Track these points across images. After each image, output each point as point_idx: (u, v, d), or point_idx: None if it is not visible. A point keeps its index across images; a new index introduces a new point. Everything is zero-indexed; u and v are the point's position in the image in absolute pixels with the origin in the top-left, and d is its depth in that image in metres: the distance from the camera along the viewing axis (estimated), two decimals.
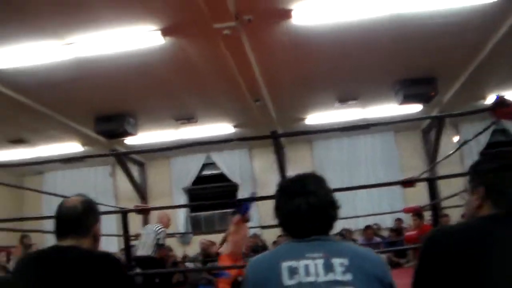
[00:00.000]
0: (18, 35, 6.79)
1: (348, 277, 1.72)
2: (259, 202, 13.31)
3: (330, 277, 1.72)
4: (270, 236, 12.39)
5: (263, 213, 13.14)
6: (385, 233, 12.16)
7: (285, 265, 1.77)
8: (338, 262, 1.75)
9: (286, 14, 6.76)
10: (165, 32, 6.96)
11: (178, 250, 12.62)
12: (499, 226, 1.78)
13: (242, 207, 7.45)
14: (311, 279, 1.72)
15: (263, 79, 8.71)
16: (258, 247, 11.17)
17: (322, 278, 1.72)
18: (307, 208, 1.88)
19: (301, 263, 1.76)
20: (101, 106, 9.81)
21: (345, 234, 10.48)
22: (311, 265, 1.76)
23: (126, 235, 7.81)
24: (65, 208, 2.35)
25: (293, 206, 1.90)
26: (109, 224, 13.13)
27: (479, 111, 4.95)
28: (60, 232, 2.32)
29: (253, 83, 8.55)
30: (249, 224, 12.74)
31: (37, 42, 6.99)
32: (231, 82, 8.58)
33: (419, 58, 8.70)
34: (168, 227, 8.83)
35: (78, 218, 2.31)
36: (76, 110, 9.91)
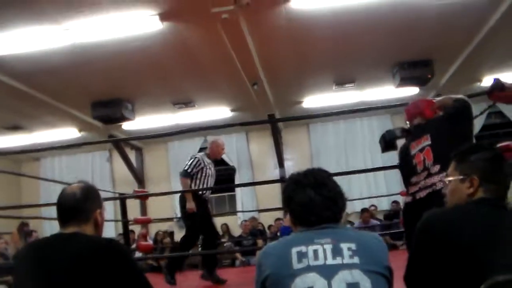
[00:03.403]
0: (15, 21, 6.75)
1: (354, 260, 1.80)
2: (257, 186, 13.43)
3: (338, 260, 1.80)
4: (267, 219, 12.46)
5: (260, 197, 13.22)
6: (382, 216, 12.24)
7: (295, 250, 1.85)
8: (346, 246, 1.83)
9: None
10: (163, 17, 6.93)
11: (176, 235, 12.63)
12: (493, 210, 1.90)
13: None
14: (319, 262, 1.80)
15: (260, 63, 8.72)
16: (256, 230, 11.22)
17: (330, 261, 1.80)
18: (319, 198, 1.97)
19: (310, 248, 1.84)
20: (98, 91, 9.79)
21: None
22: (320, 250, 1.83)
23: (125, 221, 7.89)
24: (65, 196, 2.37)
25: (306, 197, 1.98)
26: (108, 209, 13.20)
27: (475, 95, 4.98)
28: (62, 219, 2.34)
29: (251, 67, 8.57)
30: (247, 207, 12.91)
31: (34, 27, 6.94)
32: (229, 66, 8.58)
33: (416, 40, 8.71)
34: (217, 156, 7.07)
35: (77, 204, 2.32)
36: (73, 96, 9.88)
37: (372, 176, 12.97)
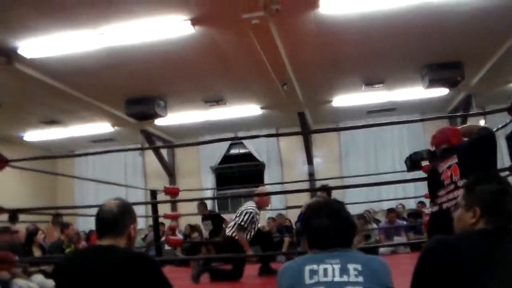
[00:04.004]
0: (55, 26, 7.06)
1: (359, 279, 2.05)
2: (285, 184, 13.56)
3: (344, 278, 2.06)
4: (295, 215, 12.58)
5: (289, 196, 13.31)
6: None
7: (308, 268, 2.12)
8: (352, 267, 2.09)
9: (314, 3, 6.88)
10: (195, 22, 7.13)
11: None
12: (493, 241, 2.04)
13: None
14: (327, 279, 2.06)
15: (290, 65, 8.85)
16: (282, 226, 11.36)
17: (337, 278, 2.06)
18: (333, 226, 2.25)
19: (321, 267, 2.11)
20: (132, 90, 10.08)
21: (367, 216, 10.61)
22: (329, 268, 2.10)
23: (155, 216, 8.19)
24: (103, 211, 2.62)
25: (322, 224, 2.26)
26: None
27: (497, 111, 5.12)
28: (99, 232, 2.60)
29: (281, 68, 8.70)
30: (276, 203, 13.03)
31: (72, 32, 7.24)
32: (259, 67, 8.73)
33: (446, 43, 8.73)
34: (265, 206, 7.26)
35: (114, 219, 2.57)
36: (107, 94, 10.19)
37: (400, 176, 12.96)
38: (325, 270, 2.09)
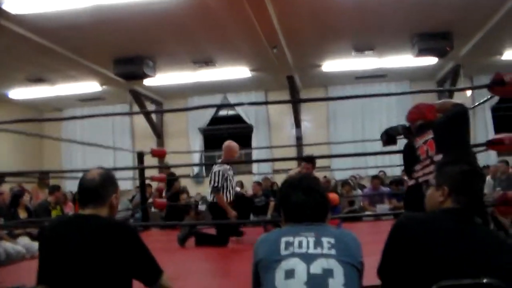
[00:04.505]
0: None
1: (332, 252, 2.14)
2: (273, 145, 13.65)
3: (318, 250, 2.14)
4: (282, 179, 12.66)
5: (276, 155, 13.39)
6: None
7: (283, 239, 2.20)
8: (326, 240, 2.18)
9: None
10: None
11: (191, 190, 12.92)
12: (459, 219, 2.13)
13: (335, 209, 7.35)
14: (302, 250, 2.15)
15: (280, 28, 8.84)
16: (268, 190, 11.42)
17: (312, 250, 2.14)
18: (309, 202, 2.31)
19: (296, 239, 2.19)
20: (120, 49, 10.00)
21: (352, 182, 10.72)
22: (304, 241, 2.18)
23: (142, 179, 8.25)
24: (85, 180, 2.63)
25: (298, 199, 2.32)
26: (127, 162, 13.50)
27: (476, 88, 5.20)
28: (81, 202, 2.62)
29: (271, 31, 8.69)
30: (263, 166, 13.08)
31: None
32: (249, 29, 8.70)
33: (437, 13, 8.74)
34: (233, 157, 6.81)
35: (96, 189, 2.58)
36: (95, 52, 10.11)
37: None
38: (300, 242, 2.17)
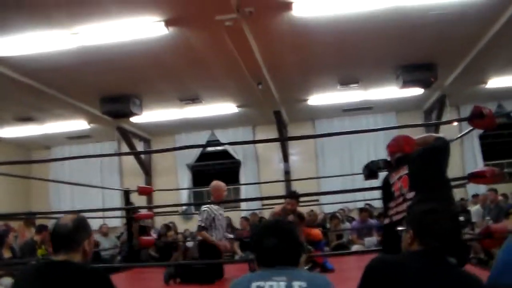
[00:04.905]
0: (27, 25, 7.04)
1: None
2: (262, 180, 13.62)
3: None
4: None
5: (264, 193, 13.35)
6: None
7: (255, 285, 2.20)
8: (297, 284, 2.16)
9: (287, 6, 6.92)
10: (169, 23, 7.15)
11: (180, 226, 12.87)
12: (427, 261, 2.13)
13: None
14: None
15: (265, 65, 8.92)
16: (256, 225, 11.39)
17: None
18: (281, 246, 2.30)
19: (267, 284, 2.19)
20: (107, 88, 10.07)
21: (340, 215, 10.70)
22: (275, 285, 2.17)
23: (129, 217, 8.23)
24: (57, 226, 2.63)
25: (270, 244, 2.30)
26: (114, 200, 13.43)
27: (456, 120, 5.24)
28: (54, 247, 2.61)
29: (256, 68, 8.75)
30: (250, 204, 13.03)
31: (45, 31, 7.23)
32: (234, 67, 8.78)
33: (420, 45, 8.84)
34: (221, 198, 6.92)
35: (68, 235, 2.58)
36: (82, 92, 10.17)
37: None
38: (271, 287, 2.17)
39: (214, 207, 6.69)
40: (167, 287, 6.18)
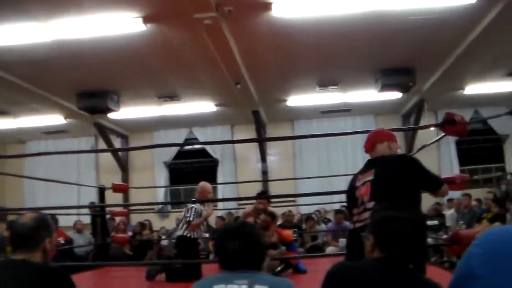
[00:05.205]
0: (3, 16, 6.88)
1: None
2: (239, 179, 13.60)
3: None
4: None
5: (241, 192, 13.34)
6: None
7: (215, 287, 2.18)
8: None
9: (266, 6, 6.90)
10: (147, 19, 7.07)
11: (156, 224, 12.81)
12: (386, 268, 2.10)
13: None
14: None
15: (244, 64, 8.87)
16: (219, 228, 11.39)
17: None
18: (244, 250, 2.28)
19: (228, 286, 2.18)
20: (84, 83, 9.95)
21: (316, 216, 10.71)
22: None
23: (102, 214, 8.17)
24: (16, 224, 2.57)
25: (233, 247, 2.28)
26: (91, 196, 13.27)
27: (428, 126, 5.26)
28: (13, 246, 2.54)
29: (234, 67, 8.71)
30: (227, 204, 13.02)
31: (21, 23, 7.08)
32: (212, 66, 8.72)
33: (399, 49, 8.88)
34: (206, 196, 7.10)
35: (27, 233, 2.51)
36: (58, 87, 10.02)
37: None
38: None
39: (200, 205, 6.85)
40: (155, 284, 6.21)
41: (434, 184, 3.67)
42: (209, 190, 7.08)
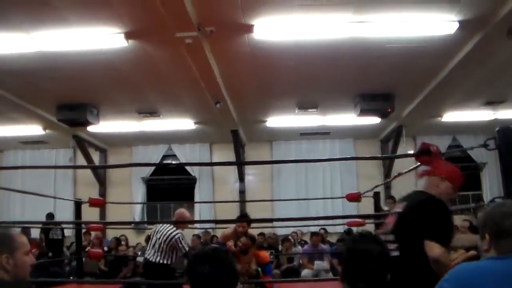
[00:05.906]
0: None
1: None
2: (216, 198, 13.58)
3: None
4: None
5: (218, 211, 13.33)
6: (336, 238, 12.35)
7: None
8: None
9: (248, 28, 6.94)
10: (129, 35, 7.08)
11: (132, 240, 12.71)
12: None
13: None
14: None
15: (224, 84, 8.91)
16: (207, 244, 11.34)
17: None
18: (216, 275, 2.27)
19: None
20: (64, 95, 9.89)
21: (292, 238, 10.73)
22: None
23: (78, 228, 8.10)
24: None
25: (205, 272, 2.26)
26: (67, 209, 13.07)
27: (403, 156, 5.31)
28: None
29: (214, 87, 8.76)
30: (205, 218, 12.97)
31: (2, 33, 7.05)
32: (193, 84, 8.75)
33: (378, 75, 8.99)
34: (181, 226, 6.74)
35: None
36: (38, 98, 9.95)
37: (330, 200, 13.07)
38: None
39: (180, 230, 6.56)
40: None
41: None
42: (188, 219, 6.93)
